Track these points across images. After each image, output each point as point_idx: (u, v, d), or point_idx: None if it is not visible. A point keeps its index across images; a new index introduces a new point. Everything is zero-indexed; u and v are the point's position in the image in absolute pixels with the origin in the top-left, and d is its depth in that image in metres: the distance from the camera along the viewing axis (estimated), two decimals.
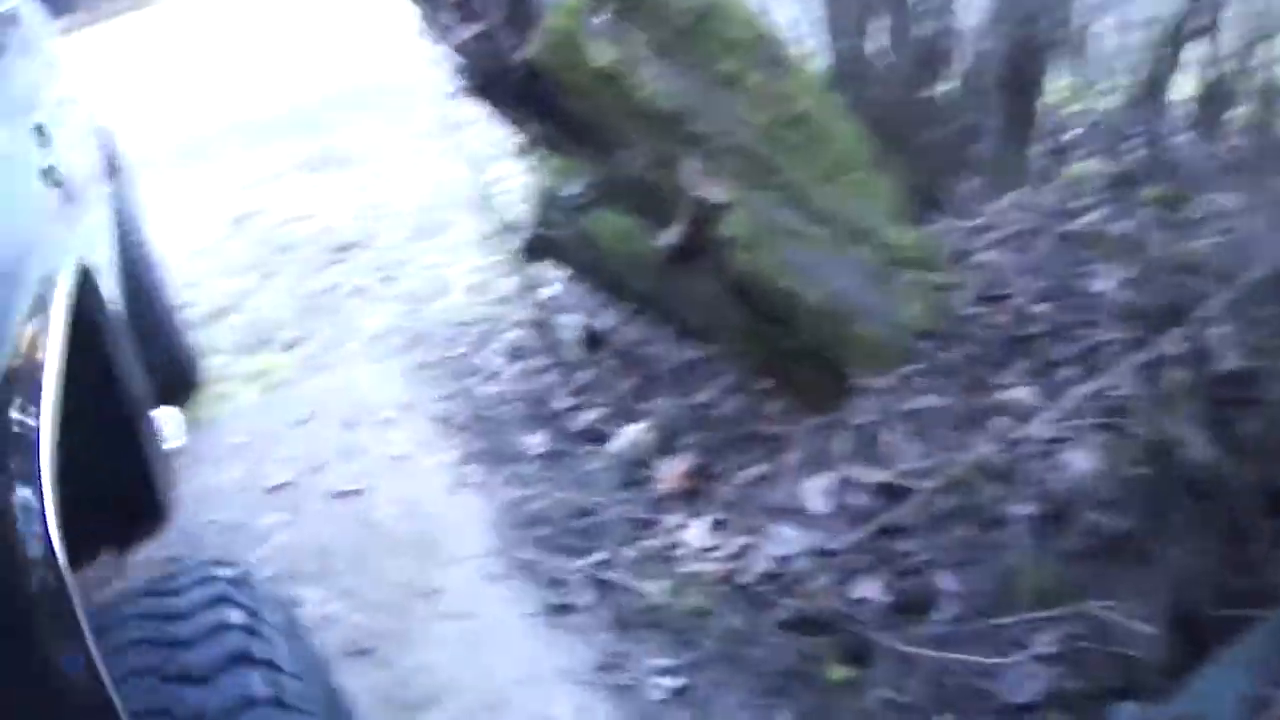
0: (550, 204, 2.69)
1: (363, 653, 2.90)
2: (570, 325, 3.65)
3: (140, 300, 4.37)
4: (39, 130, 2.04)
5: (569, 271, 3.23)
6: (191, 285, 6.04)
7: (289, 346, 4.94)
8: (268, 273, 5.97)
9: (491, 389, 3.89)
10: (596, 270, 2.86)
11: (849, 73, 3.06)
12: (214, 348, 5.15)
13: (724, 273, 2.64)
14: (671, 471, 2.91)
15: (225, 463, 4.05)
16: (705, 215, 2.59)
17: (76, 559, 1.87)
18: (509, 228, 3.14)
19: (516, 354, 4.06)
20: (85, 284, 1.62)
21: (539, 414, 3.54)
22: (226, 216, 7.08)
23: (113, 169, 4.96)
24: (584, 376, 3.56)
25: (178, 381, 4.61)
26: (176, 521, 3.76)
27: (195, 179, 8.12)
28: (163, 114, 10.03)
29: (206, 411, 4.54)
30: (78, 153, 2.77)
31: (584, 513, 3.02)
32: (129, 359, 1.75)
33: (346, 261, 5.79)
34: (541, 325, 3.55)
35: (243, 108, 10.08)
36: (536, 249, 2.79)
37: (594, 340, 3.52)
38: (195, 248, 6.68)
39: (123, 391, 1.71)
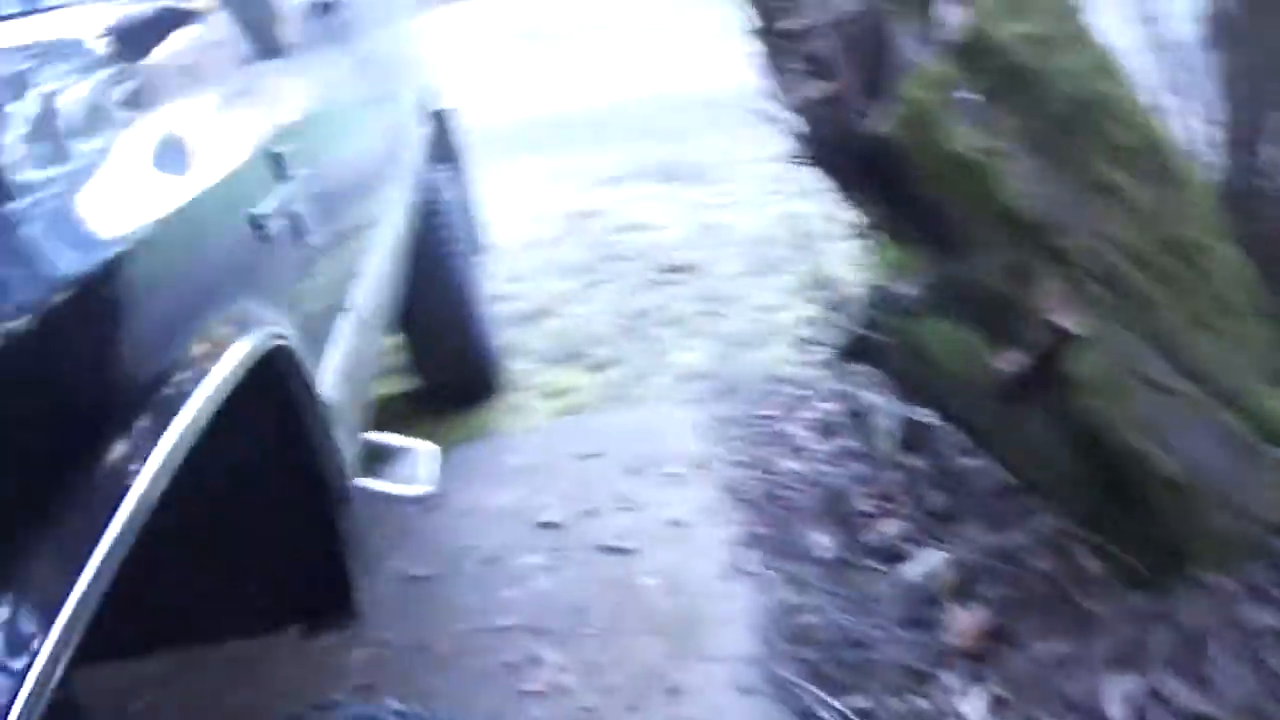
0: (879, 303, 2.34)
1: None
2: (889, 415, 3.28)
3: (450, 291, 4.27)
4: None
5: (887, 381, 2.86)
6: (515, 280, 5.98)
7: (596, 368, 4.74)
8: (593, 281, 5.82)
9: (791, 466, 3.56)
10: (919, 385, 2.48)
11: (1241, 191, 2.56)
12: (522, 351, 5.03)
13: (1066, 416, 2.23)
14: (965, 625, 2.51)
15: (501, 485, 3.88)
16: (1056, 346, 2.19)
17: (252, 631, 1.70)
18: (834, 305, 2.81)
19: (827, 431, 3.72)
20: (277, 360, 1.40)
21: (835, 511, 3.19)
22: (562, 213, 7.00)
23: (449, 152, 4.87)
24: (892, 478, 3.19)
25: (476, 382, 4.50)
26: (439, 538, 3.69)
27: (533, 170, 8.12)
28: (499, 100, 10.09)
29: (497, 422, 4.40)
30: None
31: (858, 644, 2.66)
32: (330, 440, 1.53)
33: (673, 284, 5.56)
34: (858, 413, 3.21)
35: (578, 100, 10.08)
36: (855, 351, 2.43)
37: (911, 440, 3.14)
38: (527, 241, 6.63)
39: (318, 475, 1.49)
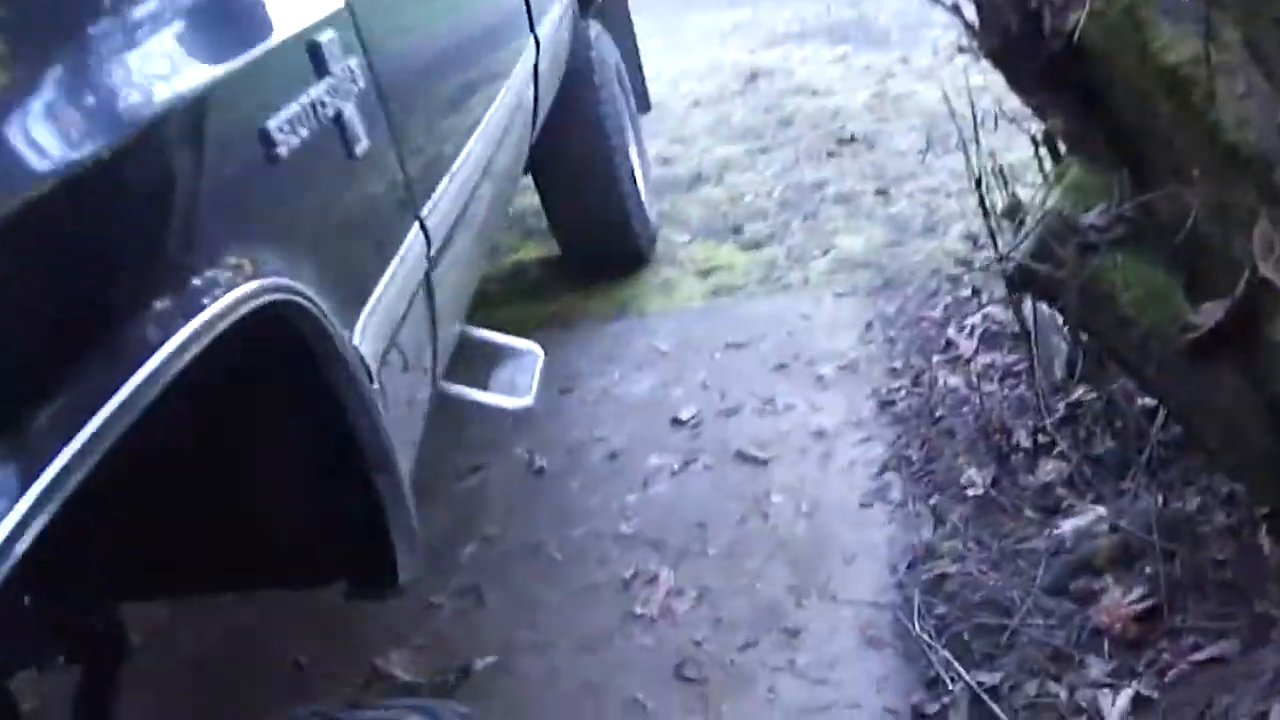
0: (1056, 229, 2.00)
1: (687, 681, 2.44)
2: (1062, 337, 2.93)
3: (600, 156, 4.02)
4: None
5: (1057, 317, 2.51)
6: (678, 141, 5.68)
7: (753, 245, 4.45)
8: (761, 147, 5.48)
9: (951, 381, 3.24)
10: (1094, 326, 2.14)
11: None
12: (678, 220, 4.77)
13: (1264, 383, 1.89)
14: (1118, 606, 2.21)
15: (638, 372, 3.65)
16: (1262, 302, 1.84)
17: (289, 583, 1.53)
18: (1009, 214, 2.45)
19: (992, 343, 3.39)
20: (286, 314, 1.18)
21: (990, 441, 2.88)
22: (732, 72, 6.63)
23: (606, 3, 4.56)
24: (1057, 411, 2.86)
25: (624, 254, 4.26)
26: (566, 427, 3.48)
27: (703, 25, 7.73)
28: None
29: (642, 299, 4.16)
30: None
31: (998, 607, 2.38)
32: (364, 398, 1.30)
33: (844, 157, 5.20)
34: (1026, 329, 2.86)
35: None
36: (1022, 280, 2.10)
37: (1082, 369, 2.80)
38: (693, 100, 6.29)
39: (350, 436, 1.27)
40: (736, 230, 4.60)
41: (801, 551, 2.76)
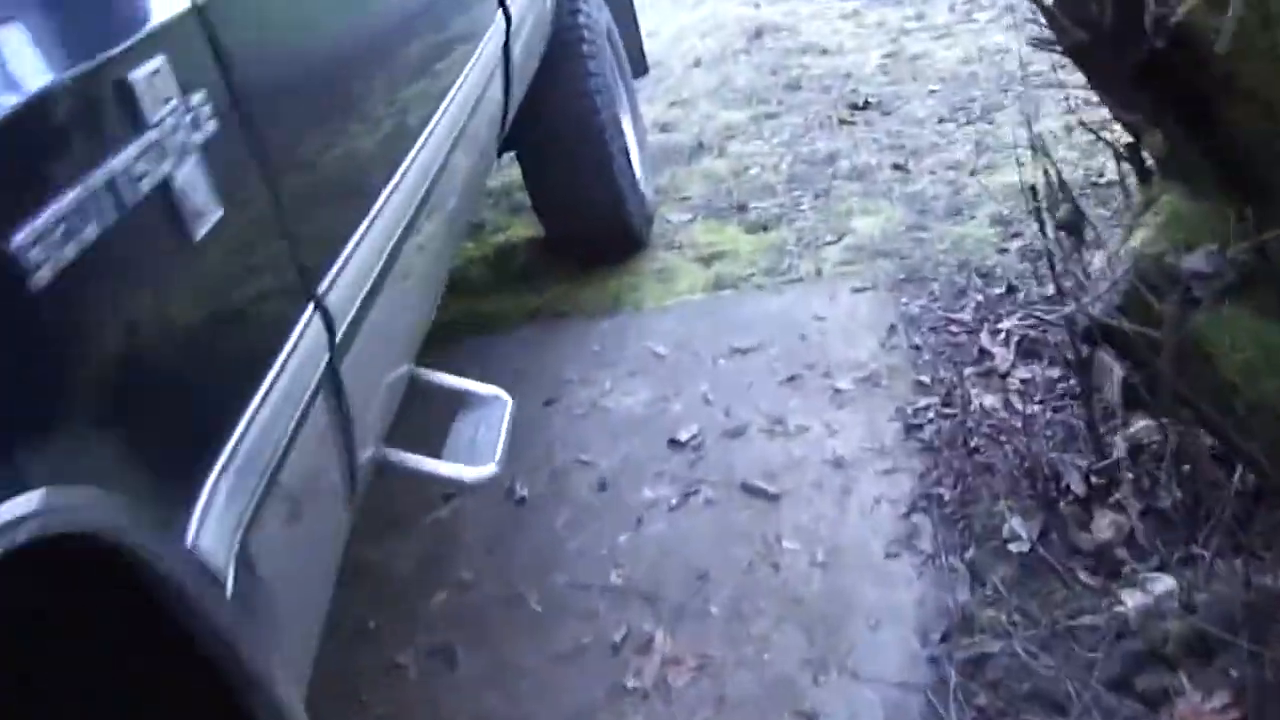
0: (1148, 276, 1.61)
1: None
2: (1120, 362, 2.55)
3: (588, 125, 3.62)
4: None
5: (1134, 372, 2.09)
6: (678, 104, 5.26)
7: (760, 226, 4.05)
8: (768, 112, 5.07)
9: (987, 401, 2.85)
10: (1188, 394, 1.75)
11: None
12: (677, 196, 4.36)
13: None
14: (1196, 713, 1.84)
15: (632, 380, 3.27)
16: None
17: None
18: (1063, 224, 2.06)
19: (1032, 354, 3.00)
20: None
21: (1037, 483, 2.49)
22: (738, 28, 6.18)
23: None
24: (1116, 448, 2.47)
25: (616, 236, 3.86)
26: (551, 446, 3.10)
27: None
28: None
29: (636, 290, 3.76)
30: None
31: (1050, 703, 2.01)
32: (221, 628, 0.90)
33: (857, 125, 4.79)
34: (1076, 346, 2.46)
35: None
36: (1099, 338, 1.71)
37: (1145, 398, 2.41)
38: (695, 58, 5.86)
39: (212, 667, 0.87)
40: (741, 209, 4.19)
41: (818, 613, 2.38)
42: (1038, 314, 3.09)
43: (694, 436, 2.97)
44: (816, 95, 5.16)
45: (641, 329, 3.51)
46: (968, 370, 3.01)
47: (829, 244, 3.84)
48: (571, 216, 3.81)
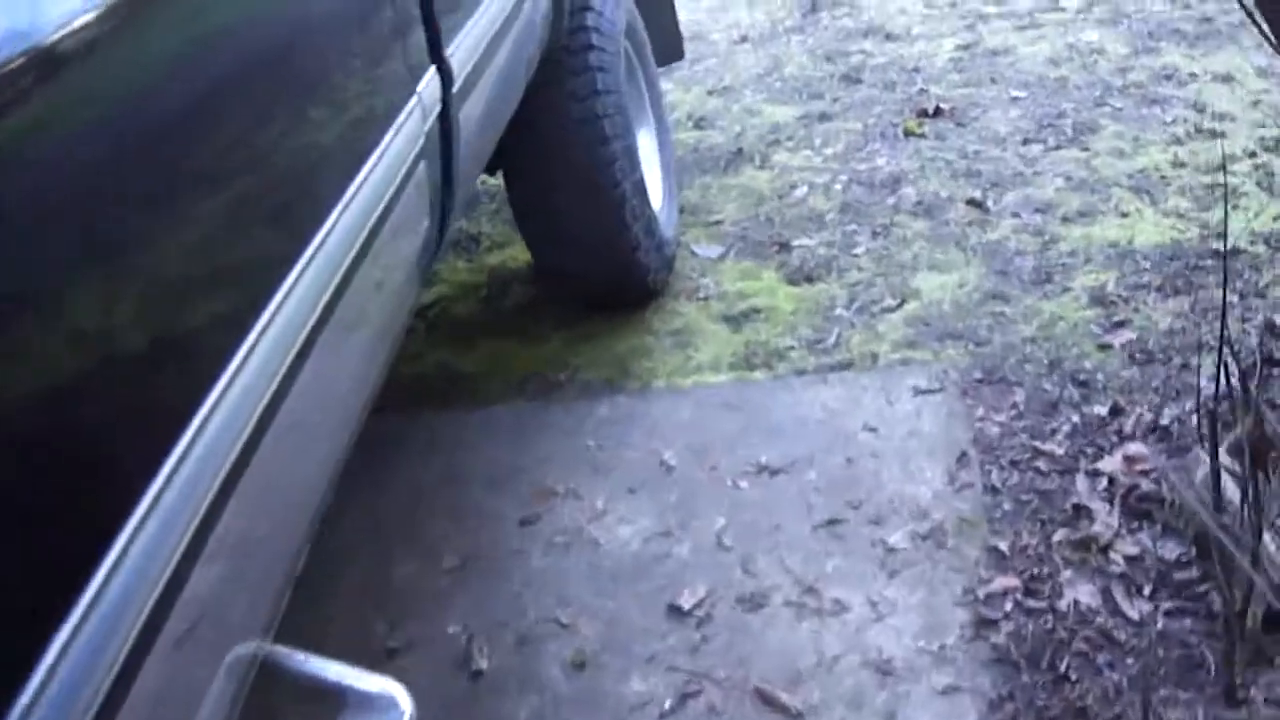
0: None
1: None
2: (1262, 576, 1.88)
3: (598, 169, 2.93)
4: None
5: None
6: (719, 94, 4.54)
7: (802, 276, 3.36)
8: (820, 112, 4.35)
9: (1082, 595, 2.19)
10: None
11: None
12: (704, 219, 3.68)
13: None
14: None
15: (634, 499, 2.62)
16: None
17: None
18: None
19: (1141, 513, 2.34)
20: None
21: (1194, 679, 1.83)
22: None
23: None
24: (1254, 701, 1.81)
25: (626, 287, 3.18)
26: (520, 594, 2.43)
27: None
28: None
29: (650, 360, 3.08)
30: None
31: None
32: None
33: (927, 137, 4.07)
34: (1222, 509, 1.80)
35: None
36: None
37: None
38: (745, 31, 5.11)
39: None
40: (783, 247, 3.50)
41: None
42: (1148, 460, 2.42)
43: (701, 603, 2.32)
44: (879, 93, 4.43)
45: (649, 421, 2.84)
46: (1058, 535, 2.34)
47: (887, 310, 3.15)
48: (568, 259, 3.13)
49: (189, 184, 1.05)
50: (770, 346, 3.06)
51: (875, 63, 4.68)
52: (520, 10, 2.41)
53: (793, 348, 3.05)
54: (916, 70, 4.58)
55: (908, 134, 4.09)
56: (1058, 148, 3.88)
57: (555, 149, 2.88)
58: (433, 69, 1.77)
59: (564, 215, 2.98)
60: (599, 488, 2.65)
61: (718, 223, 3.68)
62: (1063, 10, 5.01)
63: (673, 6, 3.98)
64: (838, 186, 3.80)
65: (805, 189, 3.81)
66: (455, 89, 1.86)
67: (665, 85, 3.80)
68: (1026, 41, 4.71)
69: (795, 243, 3.51)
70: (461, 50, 1.94)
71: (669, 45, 3.96)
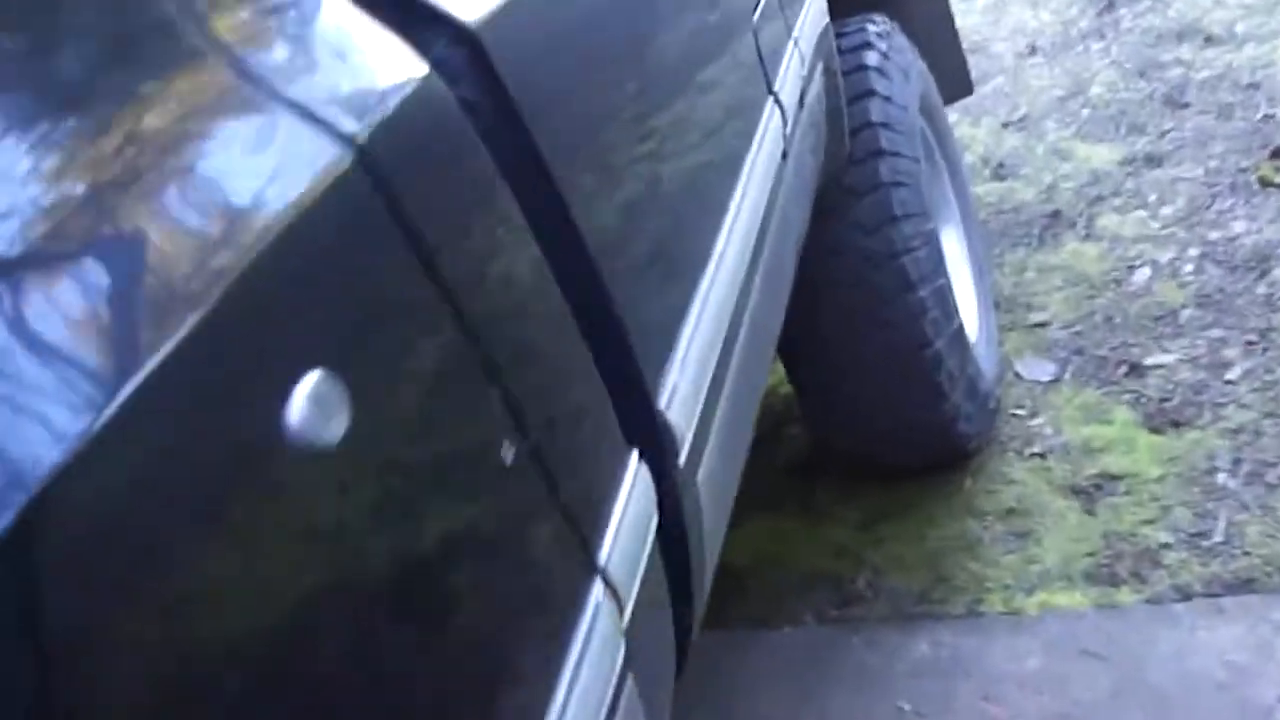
0: None
1: None
2: None
3: (903, 324, 2.19)
4: None
5: None
6: (1017, 127, 3.73)
7: (1164, 418, 2.55)
8: (1147, 153, 3.51)
9: None
10: None
11: None
12: (1027, 318, 2.94)
13: None
14: None
15: None
16: None
17: None
18: None
19: None
20: None
21: None
22: None
23: None
24: None
25: (942, 457, 2.44)
26: None
27: None
28: None
29: (974, 556, 2.34)
30: None
31: None
32: None
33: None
34: None
35: None
36: None
37: None
38: (1033, 39, 4.23)
39: None
40: (1133, 368, 2.68)
41: None
42: None
43: None
44: (1213, 122, 3.52)
45: (981, 672, 2.09)
46: None
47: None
48: (865, 444, 2.39)
49: None
50: (1137, 542, 2.27)
51: (1199, 77, 3.76)
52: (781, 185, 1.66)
53: (1168, 545, 2.25)
54: (1254, 86, 3.65)
55: (1264, 184, 3.20)
56: None
57: (838, 308, 2.14)
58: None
59: (857, 396, 2.24)
60: None
61: (1043, 325, 2.88)
62: None
63: (955, 34, 3.18)
64: (1188, 267, 2.95)
65: (1148, 271, 2.97)
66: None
67: (949, 116, 3.02)
68: None
69: (1148, 360, 2.69)
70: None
71: (955, 81, 3.18)
